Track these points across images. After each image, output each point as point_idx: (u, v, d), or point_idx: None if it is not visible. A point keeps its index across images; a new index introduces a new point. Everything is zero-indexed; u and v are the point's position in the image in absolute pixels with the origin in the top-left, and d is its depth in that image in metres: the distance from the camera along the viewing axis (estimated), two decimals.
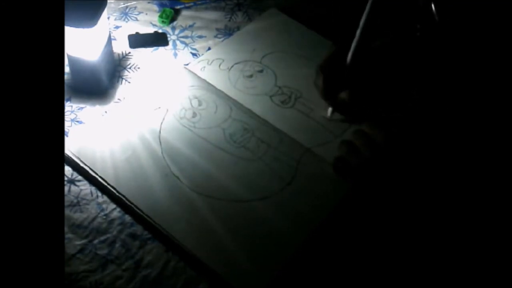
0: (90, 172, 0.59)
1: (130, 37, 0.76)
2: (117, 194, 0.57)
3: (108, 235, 0.56)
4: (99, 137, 0.62)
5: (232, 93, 0.69)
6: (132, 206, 0.57)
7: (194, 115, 0.66)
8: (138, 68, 0.73)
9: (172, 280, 0.53)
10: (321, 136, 0.65)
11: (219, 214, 0.57)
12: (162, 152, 0.61)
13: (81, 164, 0.59)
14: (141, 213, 0.56)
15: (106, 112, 0.67)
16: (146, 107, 0.66)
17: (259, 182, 0.60)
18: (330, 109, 0.68)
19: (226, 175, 0.60)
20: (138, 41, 0.76)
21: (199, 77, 0.70)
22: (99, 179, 0.58)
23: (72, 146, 0.61)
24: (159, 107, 0.66)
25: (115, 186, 0.58)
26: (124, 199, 0.57)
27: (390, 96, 0.71)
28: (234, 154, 0.62)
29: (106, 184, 0.58)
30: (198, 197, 0.58)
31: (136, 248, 0.55)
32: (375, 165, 0.59)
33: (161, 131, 0.64)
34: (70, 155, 0.60)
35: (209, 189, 0.59)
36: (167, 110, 0.66)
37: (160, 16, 0.79)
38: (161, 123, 0.64)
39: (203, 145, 0.63)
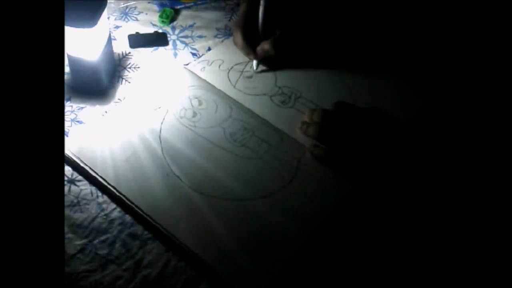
0: (90, 172, 0.59)
1: (130, 37, 0.76)
2: (117, 194, 0.57)
3: (108, 235, 0.56)
4: (99, 137, 0.62)
5: (232, 93, 0.69)
6: (132, 206, 0.57)
7: (194, 114, 0.66)
8: (138, 67, 0.73)
9: (173, 280, 0.53)
10: None
11: (220, 213, 0.57)
12: (162, 152, 0.61)
13: (81, 164, 0.59)
14: (141, 213, 0.56)
15: (106, 112, 0.67)
16: (146, 107, 0.66)
17: (260, 181, 0.60)
18: (255, 62, 0.72)
19: (227, 174, 0.60)
20: (138, 41, 0.76)
21: (199, 77, 0.70)
22: (99, 179, 0.58)
23: (72, 146, 0.61)
24: (159, 107, 0.66)
25: (115, 186, 0.58)
26: (124, 199, 0.57)
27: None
28: (234, 153, 0.62)
29: (106, 184, 0.58)
30: (198, 196, 0.58)
31: (136, 248, 0.55)
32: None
33: (162, 130, 0.64)
34: (70, 155, 0.60)
35: (210, 188, 0.59)
36: (167, 110, 0.66)
37: (160, 16, 0.79)
38: (162, 122, 0.64)
39: (204, 144, 0.63)
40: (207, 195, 0.58)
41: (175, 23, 0.79)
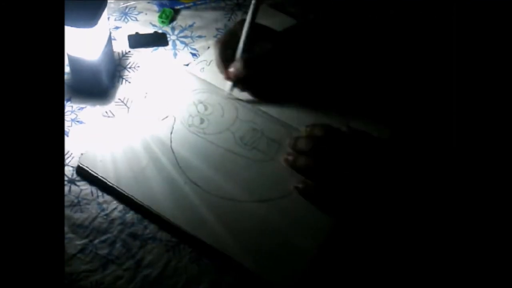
0: (118, 189, 0.58)
1: (130, 37, 0.76)
2: (144, 206, 0.57)
3: (109, 235, 0.56)
4: (110, 153, 0.61)
5: (234, 91, 0.69)
6: (159, 215, 0.57)
7: (202, 121, 0.65)
8: (138, 67, 0.73)
9: (173, 280, 0.53)
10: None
11: (242, 214, 0.57)
12: (176, 162, 0.61)
13: (109, 184, 0.59)
14: (169, 222, 0.56)
15: (107, 112, 0.66)
16: (153, 117, 0.65)
17: (276, 182, 0.60)
18: (229, 84, 0.67)
19: (243, 178, 0.60)
20: (138, 41, 0.76)
21: (200, 80, 0.70)
22: (125, 194, 0.58)
23: (97, 167, 0.59)
24: (167, 116, 0.66)
25: (142, 200, 0.57)
26: (150, 209, 0.57)
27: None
28: (246, 156, 0.62)
29: (129, 196, 0.58)
30: (219, 200, 0.58)
31: (136, 248, 0.55)
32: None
33: (172, 140, 0.63)
34: (99, 176, 0.59)
35: (229, 192, 0.59)
36: (175, 118, 0.65)
37: (160, 16, 0.79)
38: (171, 132, 0.64)
39: (216, 150, 0.62)
40: (227, 199, 0.58)
41: (174, 23, 0.79)
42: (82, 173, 0.60)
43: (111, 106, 0.67)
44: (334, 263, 0.56)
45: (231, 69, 0.65)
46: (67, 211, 0.57)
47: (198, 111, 0.66)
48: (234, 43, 0.66)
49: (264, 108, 0.67)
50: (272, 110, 0.67)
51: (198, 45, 0.76)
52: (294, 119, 0.66)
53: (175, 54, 0.75)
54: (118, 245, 0.56)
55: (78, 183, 0.60)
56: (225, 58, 0.66)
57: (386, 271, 0.55)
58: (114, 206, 0.58)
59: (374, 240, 0.57)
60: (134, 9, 0.80)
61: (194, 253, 0.55)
